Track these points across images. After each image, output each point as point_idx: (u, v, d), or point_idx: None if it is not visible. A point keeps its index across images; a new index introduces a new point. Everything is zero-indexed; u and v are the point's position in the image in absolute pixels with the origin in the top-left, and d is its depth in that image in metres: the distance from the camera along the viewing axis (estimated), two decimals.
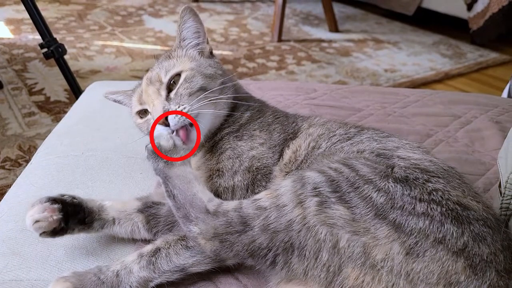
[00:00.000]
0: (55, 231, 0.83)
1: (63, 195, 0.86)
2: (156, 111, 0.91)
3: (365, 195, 0.70)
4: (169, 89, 0.96)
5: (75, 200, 0.86)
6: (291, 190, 0.74)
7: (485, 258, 0.66)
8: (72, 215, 0.84)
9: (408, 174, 0.74)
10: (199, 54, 1.04)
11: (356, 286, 0.67)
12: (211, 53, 1.08)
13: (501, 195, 0.93)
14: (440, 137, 1.37)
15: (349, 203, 0.70)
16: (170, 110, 0.90)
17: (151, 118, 0.95)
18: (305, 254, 0.70)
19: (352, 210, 0.69)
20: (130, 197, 0.96)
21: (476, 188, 0.81)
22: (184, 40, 1.04)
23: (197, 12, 1.02)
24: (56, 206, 0.82)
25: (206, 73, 0.99)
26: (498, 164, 1.04)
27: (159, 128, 0.91)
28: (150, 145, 0.85)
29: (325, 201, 0.70)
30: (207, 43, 1.06)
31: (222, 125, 0.99)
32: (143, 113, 1.01)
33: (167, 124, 0.90)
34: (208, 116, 0.95)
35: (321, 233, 0.69)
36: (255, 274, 0.84)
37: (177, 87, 0.95)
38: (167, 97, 0.94)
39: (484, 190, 1.11)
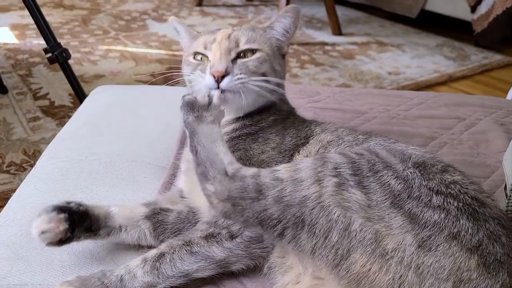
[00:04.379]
0: (61, 241, 0.82)
1: (69, 203, 0.85)
2: (220, 66, 0.92)
3: (383, 181, 0.70)
4: (239, 55, 0.97)
5: (81, 207, 0.86)
6: (311, 166, 0.73)
7: (499, 258, 0.65)
8: (78, 224, 0.84)
9: (425, 160, 0.74)
10: (277, 48, 1.04)
11: (362, 274, 0.66)
12: (284, 55, 1.08)
13: (506, 197, 0.92)
14: (445, 139, 1.36)
15: (366, 188, 0.70)
16: (231, 73, 0.92)
17: (207, 65, 0.94)
18: (314, 232, 0.69)
19: (369, 196, 0.69)
20: (136, 202, 0.96)
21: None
22: (272, 30, 1.04)
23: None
24: (62, 216, 0.82)
25: (274, 67, 1.00)
26: (504, 167, 1.03)
27: (203, 83, 0.93)
28: (187, 96, 0.85)
29: (344, 183, 0.70)
30: (288, 45, 1.08)
31: (248, 118, 1.00)
32: (200, 56, 1.00)
33: (218, 81, 0.91)
34: (254, 95, 0.96)
35: (335, 214, 0.68)
36: (260, 278, 0.84)
37: (248, 59, 0.96)
38: (234, 61, 0.95)
39: (489, 192, 1.10)
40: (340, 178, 0.71)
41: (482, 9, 3.40)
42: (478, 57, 3.50)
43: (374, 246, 0.66)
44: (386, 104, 1.55)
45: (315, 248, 0.70)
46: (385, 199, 0.68)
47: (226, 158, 0.79)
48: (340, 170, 0.72)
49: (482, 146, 1.34)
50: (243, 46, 0.97)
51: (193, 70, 0.98)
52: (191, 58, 1.00)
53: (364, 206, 0.68)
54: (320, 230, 0.69)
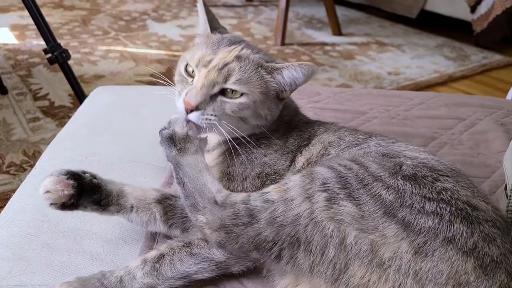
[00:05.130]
0: (64, 205, 0.82)
1: (84, 172, 0.85)
2: (193, 99, 0.86)
3: (374, 193, 0.70)
4: (223, 92, 0.89)
5: (94, 180, 0.85)
6: (299, 184, 0.73)
7: (495, 258, 0.65)
8: (87, 194, 0.84)
9: (416, 172, 0.74)
10: (275, 93, 0.94)
11: (362, 285, 0.67)
12: (283, 98, 0.98)
13: (507, 197, 0.92)
14: (445, 139, 1.36)
15: (357, 200, 0.70)
16: (202, 109, 0.87)
17: (186, 88, 0.90)
18: (311, 249, 0.70)
19: (361, 207, 0.69)
20: (147, 186, 0.95)
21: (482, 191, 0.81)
22: (280, 75, 0.92)
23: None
24: (71, 182, 0.81)
25: (258, 112, 0.92)
26: (504, 167, 1.03)
27: (176, 103, 0.89)
28: (165, 131, 0.84)
29: (334, 197, 0.70)
30: (291, 92, 0.97)
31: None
32: (190, 69, 0.93)
33: (188, 113, 0.87)
34: (228, 131, 0.90)
35: (328, 228, 0.69)
36: (260, 279, 0.83)
37: (228, 100, 0.88)
38: (213, 97, 0.88)
39: (489, 193, 1.10)
40: (330, 193, 0.71)
41: (482, 9, 3.40)
42: (478, 57, 3.50)
43: (371, 256, 0.66)
44: (386, 105, 1.55)
45: (313, 265, 0.70)
46: (377, 209, 0.68)
47: (213, 187, 0.80)
48: (328, 185, 0.72)
49: (482, 146, 1.34)
50: (229, 85, 0.88)
51: (178, 82, 0.95)
52: (182, 68, 0.94)
53: (357, 218, 0.68)
54: (316, 247, 0.69)
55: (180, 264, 0.79)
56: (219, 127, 0.89)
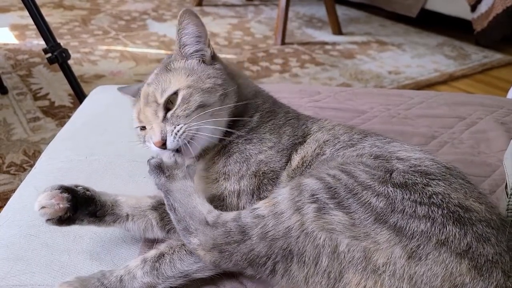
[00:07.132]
0: (61, 220, 0.83)
1: (77, 186, 0.86)
2: (155, 136, 0.89)
3: (364, 201, 0.70)
4: (167, 108, 0.92)
5: (88, 192, 0.86)
6: (288, 197, 0.74)
7: (491, 258, 0.65)
8: (82, 207, 0.84)
9: (406, 180, 0.73)
10: (199, 61, 0.97)
11: None
12: (213, 57, 1.00)
13: (507, 196, 0.92)
14: (445, 138, 1.36)
15: (348, 208, 0.70)
16: (167, 133, 0.89)
17: (148, 135, 0.94)
18: (304, 261, 0.70)
19: (351, 216, 0.69)
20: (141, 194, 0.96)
21: (482, 190, 0.81)
22: (184, 47, 0.96)
23: (199, 14, 0.96)
24: (65, 195, 0.82)
25: (205, 88, 0.93)
26: (504, 166, 1.03)
27: (159, 152, 0.91)
28: (152, 160, 0.85)
29: (323, 207, 0.70)
30: (208, 46, 0.99)
31: (230, 128, 0.95)
32: (143, 127, 0.98)
33: (165, 148, 0.89)
34: (208, 130, 0.91)
35: (320, 238, 0.69)
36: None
37: (174, 108, 0.90)
38: (164, 118, 0.91)
39: (490, 191, 1.10)
40: (319, 203, 0.71)
41: (482, 8, 3.39)
42: (478, 56, 3.49)
43: (364, 263, 0.66)
44: (386, 104, 1.55)
45: (307, 276, 0.70)
46: (368, 216, 0.68)
47: (204, 208, 0.80)
48: (317, 195, 0.72)
49: (482, 145, 1.33)
50: (161, 100, 0.91)
51: (143, 137, 0.97)
52: (138, 130, 0.99)
53: (348, 226, 0.68)
54: (309, 258, 0.69)
55: (180, 263, 0.79)
56: (195, 128, 0.89)
